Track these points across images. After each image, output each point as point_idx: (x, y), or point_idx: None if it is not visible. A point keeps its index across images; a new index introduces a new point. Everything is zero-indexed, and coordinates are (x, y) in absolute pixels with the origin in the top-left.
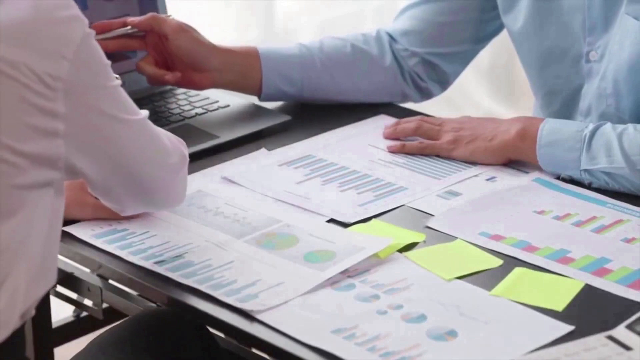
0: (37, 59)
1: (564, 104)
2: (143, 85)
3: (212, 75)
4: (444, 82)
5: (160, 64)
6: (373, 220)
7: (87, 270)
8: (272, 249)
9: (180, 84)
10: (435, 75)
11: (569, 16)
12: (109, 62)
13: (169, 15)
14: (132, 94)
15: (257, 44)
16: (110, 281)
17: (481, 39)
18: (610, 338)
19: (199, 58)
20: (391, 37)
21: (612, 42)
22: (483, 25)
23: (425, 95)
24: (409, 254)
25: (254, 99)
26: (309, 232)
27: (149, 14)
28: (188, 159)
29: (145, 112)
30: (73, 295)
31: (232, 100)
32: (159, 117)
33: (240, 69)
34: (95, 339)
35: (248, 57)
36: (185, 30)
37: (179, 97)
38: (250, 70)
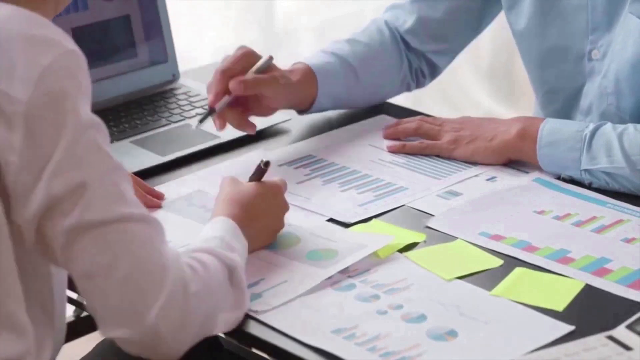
0: None
1: (565, 102)
2: (142, 85)
3: (279, 108)
4: (436, 74)
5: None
6: (373, 220)
7: None
8: (274, 248)
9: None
10: (430, 70)
11: (572, 15)
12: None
13: (270, 59)
14: (132, 94)
15: (257, 44)
16: None
17: (480, 30)
18: (610, 338)
19: (282, 101)
20: (401, 36)
21: (615, 41)
22: (482, 17)
23: (418, 86)
24: (409, 254)
25: None
26: (311, 231)
27: (254, 78)
28: (194, 293)
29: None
30: (73, 295)
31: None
32: (159, 117)
33: (302, 99)
34: (102, 341)
35: (310, 86)
36: (278, 82)
37: (179, 97)
38: (308, 99)
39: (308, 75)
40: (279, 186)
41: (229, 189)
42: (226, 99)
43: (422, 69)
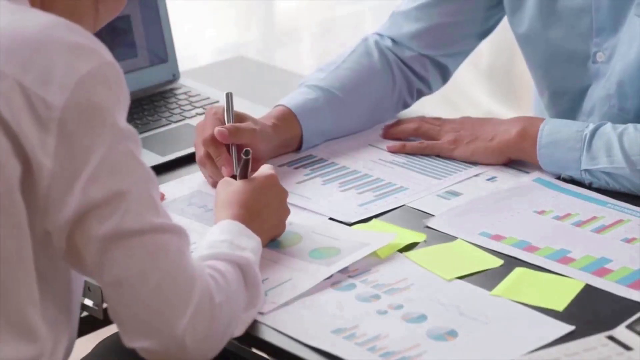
0: (32, 79)
1: (570, 104)
2: (142, 85)
3: (265, 156)
4: (447, 77)
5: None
6: (373, 220)
7: None
8: (277, 247)
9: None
10: (441, 78)
11: (575, 17)
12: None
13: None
14: (132, 94)
15: (257, 44)
16: None
17: (485, 34)
18: (611, 338)
19: (263, 148)
20: (396, 44)
21: (620, 43)
22: (488, 20)
23: (420, 97)
24: (409, 254)
25: (254, 100)
26: (312, 229)
27: (231, 129)
28: (219, 304)
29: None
30: None
31: (233, 100)
32: (159, 117)
33: (285, 141)
34: (102, 341)
35: (290, 127)
36: (258, 132)
37: (179, 97)
38: (293, 139)
39: (286, 117)
40: (272, 175)
41: (224, 193)
42: (234, 155)
43: (427, 80)
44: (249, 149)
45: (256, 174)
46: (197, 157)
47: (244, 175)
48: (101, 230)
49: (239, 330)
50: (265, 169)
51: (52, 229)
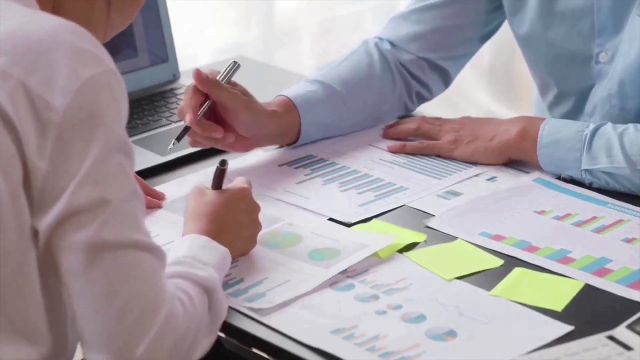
0: (36, 82)
1: (573, 104)
2: (143, 85)
3: (259, 140)
4: (449, 81)
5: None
6: (374, 220)
7: None
8: (276, 247)
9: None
10: (442, 82)
11: (577, 18)
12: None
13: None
14: (132, 94)
15: (257, 44)
16: None
17: (486, 37)
18: (611, 338)
19: (254, 128)
20: (394, 47)
21: (622, 43)
22: (488, 24)
23: (421, 102)
24: (409, 254)
25: None
26: (312, 230)
27: (212, 80)
28: (182, 332)
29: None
30: None
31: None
32: (160, 117)
33: (283, 129)
34: None
35: (289, 115)
36: (246, 101)
37: (180, 97)
38: (291, 128)
39: (286, 105)
40: (244, 189)
41: (194, 203)
42: (202, 109)
43: (426, 83)
44: (225, 159)
45: (229, 186)
46: (178, 109)
47: (217, 185)
48: (79, 237)
49: (197, 355)
50: (239, 182)
51: (40, 230)
